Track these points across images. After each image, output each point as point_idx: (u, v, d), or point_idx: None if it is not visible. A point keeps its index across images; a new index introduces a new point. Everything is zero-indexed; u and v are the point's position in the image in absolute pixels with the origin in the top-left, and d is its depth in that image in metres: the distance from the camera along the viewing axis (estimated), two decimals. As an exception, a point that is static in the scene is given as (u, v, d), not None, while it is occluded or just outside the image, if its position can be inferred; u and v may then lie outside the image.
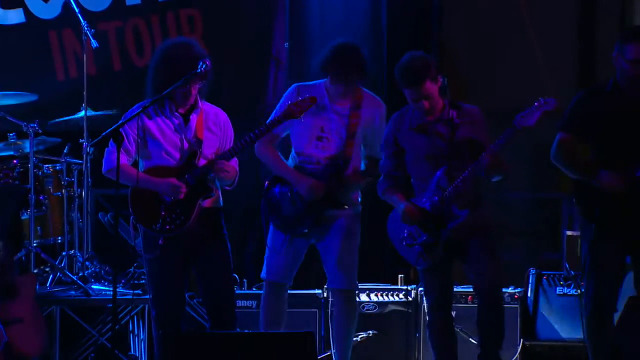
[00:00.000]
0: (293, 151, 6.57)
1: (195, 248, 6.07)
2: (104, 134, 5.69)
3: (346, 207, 6.46)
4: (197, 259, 6.09)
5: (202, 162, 6.05)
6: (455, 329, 6.45)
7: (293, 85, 6.59)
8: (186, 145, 6.04)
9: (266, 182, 6.54)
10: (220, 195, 6.19)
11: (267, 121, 6.23)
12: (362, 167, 6.56)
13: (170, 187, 5.95)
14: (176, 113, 6.06)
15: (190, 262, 6.10)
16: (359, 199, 6.60)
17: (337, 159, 6.46)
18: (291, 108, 6.12)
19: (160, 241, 5.95)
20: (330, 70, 6.41)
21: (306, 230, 6.46)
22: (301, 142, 6.51)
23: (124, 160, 5.97)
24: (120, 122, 5.79)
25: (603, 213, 5.97)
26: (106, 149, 6.00)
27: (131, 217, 6.04)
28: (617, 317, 6.14)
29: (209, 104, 6.18)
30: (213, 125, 6.13)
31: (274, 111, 6.45)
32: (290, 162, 6.56)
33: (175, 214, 5.98)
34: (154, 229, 5.97)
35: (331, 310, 6.81)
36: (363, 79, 6.49)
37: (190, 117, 6.06)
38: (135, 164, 6.11)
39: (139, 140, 6.02)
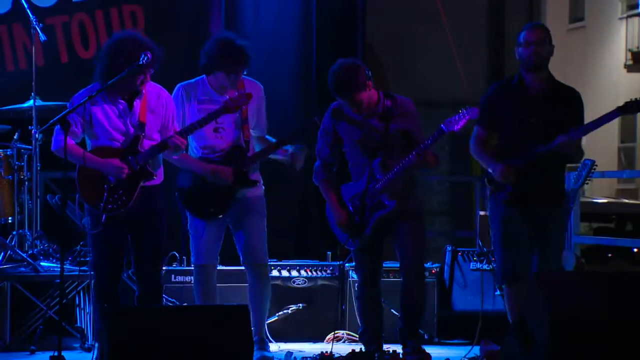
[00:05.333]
0: (196, 145, 6.66)
1: (135, 224, 6.19)
2: (51, 121, 5.83)
3: (257, 182, 6.65)
4: (134, 234, 6.22)
5: (146, 144, 6.16)
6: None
7: (178, 86, 6.69)
8: (131, 129, 6.15)
9: (178, 179, 6.70)
10: (162, 173, 6.32)
11: (205, 115, 6.33)
12: (257, 148, 6.69)
13: (114, 168, 6.07)
14: (121, 100, 6.15)
15: (129, 236, 6.23)
16: (261, 180, 6.75)
17: (238, 143, 6.61)
18: (228, 103, 6.26)
19: (103, 219, 6.08)
20: (223, 66, 6.50)
21: (220, 215, 6.64)
22: (202, 136, 6.61)
23: (71, 141, 6.04)
24: (67, 110, 5.91)
25: (510, 190, 6.25)
26: (55, 128, 6.02)
27: (77, 196, 6.18)
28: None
29: (152, 83, 6.23)
30: (155, 105, 6.22)
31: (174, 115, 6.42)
32: (194, 156, 6.67)
33: (118, 194, 6.10)
34: (98, 207, 6.09)
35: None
36: (248, 66, 6.59)
37: (134, 102, 6.15)
38: (81, 144, 6.18)
39: (84, 122, 6.10)
